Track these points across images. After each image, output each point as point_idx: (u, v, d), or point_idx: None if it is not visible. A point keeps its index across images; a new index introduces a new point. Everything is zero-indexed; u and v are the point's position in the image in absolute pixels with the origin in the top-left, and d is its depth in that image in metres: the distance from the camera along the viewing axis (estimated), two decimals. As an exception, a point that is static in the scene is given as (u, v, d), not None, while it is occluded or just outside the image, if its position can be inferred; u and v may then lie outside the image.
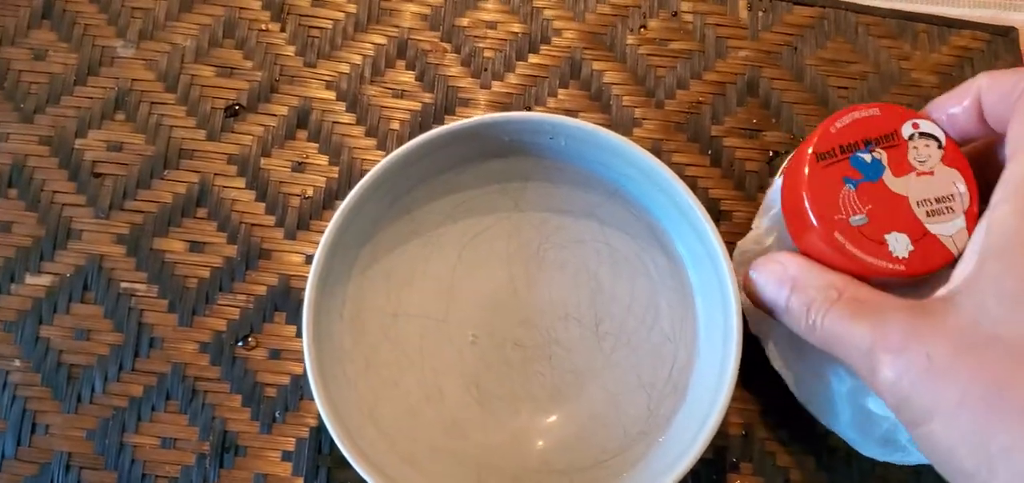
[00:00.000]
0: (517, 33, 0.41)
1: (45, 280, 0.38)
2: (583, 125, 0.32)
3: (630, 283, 0.36)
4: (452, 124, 0.32)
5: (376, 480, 0.30)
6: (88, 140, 0.39)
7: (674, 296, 0.35)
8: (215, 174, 0.39)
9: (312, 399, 0.36)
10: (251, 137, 0.40)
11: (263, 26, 0.41)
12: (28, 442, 0.36)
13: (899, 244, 0.29)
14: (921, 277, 0.30)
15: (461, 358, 0.35)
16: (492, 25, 0.41)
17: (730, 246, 0.33)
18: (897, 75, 0.41)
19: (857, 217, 0.29)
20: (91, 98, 0.40)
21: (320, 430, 0.36)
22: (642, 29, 0.41)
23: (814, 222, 0.29)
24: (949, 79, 0.41)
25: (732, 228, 0.38)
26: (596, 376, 0.35)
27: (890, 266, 0.28)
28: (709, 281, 0.33)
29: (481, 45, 0.41)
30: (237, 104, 0.40)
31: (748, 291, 0.31)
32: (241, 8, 0.41)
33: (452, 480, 0.33)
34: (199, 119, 0.40)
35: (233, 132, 0.40)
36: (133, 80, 0.40)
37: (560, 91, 0.40)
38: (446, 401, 0.35)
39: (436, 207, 0.36)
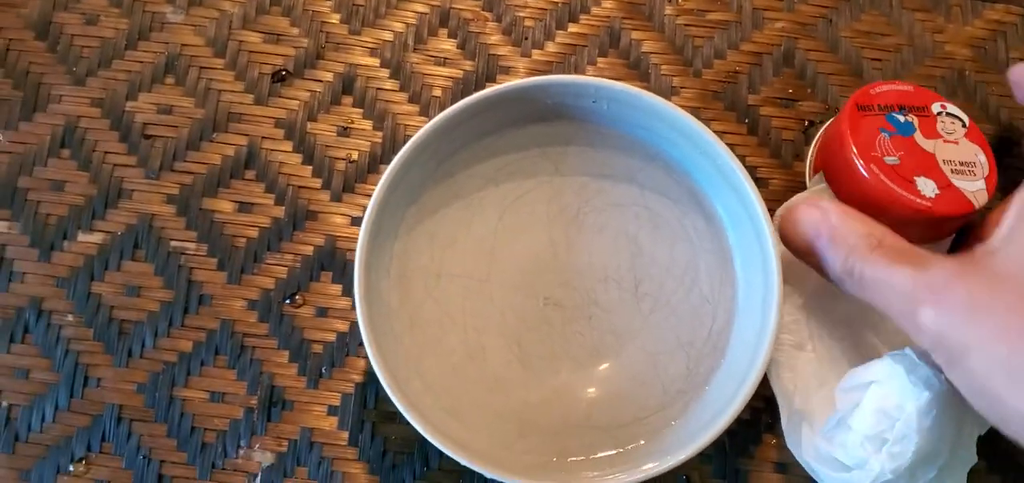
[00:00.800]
0: (557, 2, 0.42)
1: (97, 238, 0.39)
2: (627, 88, 0.33)
3: (669, 246, 0.36)
4: (496, 87, 0.33)
5: (423, 428, 0.31)
6: (139, 103, 0.41)
7: (713, 258, 0.36)
8: (263, 137, 0.40)
9: (357, 356, 0.38)
10: (298, 102, 0.41)
11: (310, -7, 0.42)
12: (81, 394, 0.38)
13: (927, 186, 0.33)
14: (942, 242, 0.35)
15: (502, 318, 0.36)
16: (533, -6, 0.42)
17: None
18: (931, 48, 0.41)
19: (891, 158, 0.34)
20: (141, 62, 0.41)
21: (365, 386, 0.37)
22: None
23: (854, 153, 0.34)
24: (982, 52, 0.41)
25: (768, 195, 0.39)
26: (635, 336, 0.36)
27: (919, 202, 0.33)
28: (749, 243, 0.33)
29: (521, 14, 0.42)
30: (284, 70, 0.41)
31: (784, 233, 0.32)
32: (288, -24, 0.42)
33: (494, 434, 0.34)
34: (247, 84, 0.41)
35: (280, 97, 0.41)
36: (182, 45, 0.41)
37: (599, 60, 0.41)
38: (488, 359, 0.36)
39: (479, 170, 0.37)
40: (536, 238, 0.37)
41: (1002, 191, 0.34)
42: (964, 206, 0.33)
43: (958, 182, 0.34)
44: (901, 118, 0.35)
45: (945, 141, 0.35)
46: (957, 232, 0.36)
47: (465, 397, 0.35)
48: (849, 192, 0.35)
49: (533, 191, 0.37)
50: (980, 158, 0.35)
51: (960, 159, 0.35)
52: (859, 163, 0.34)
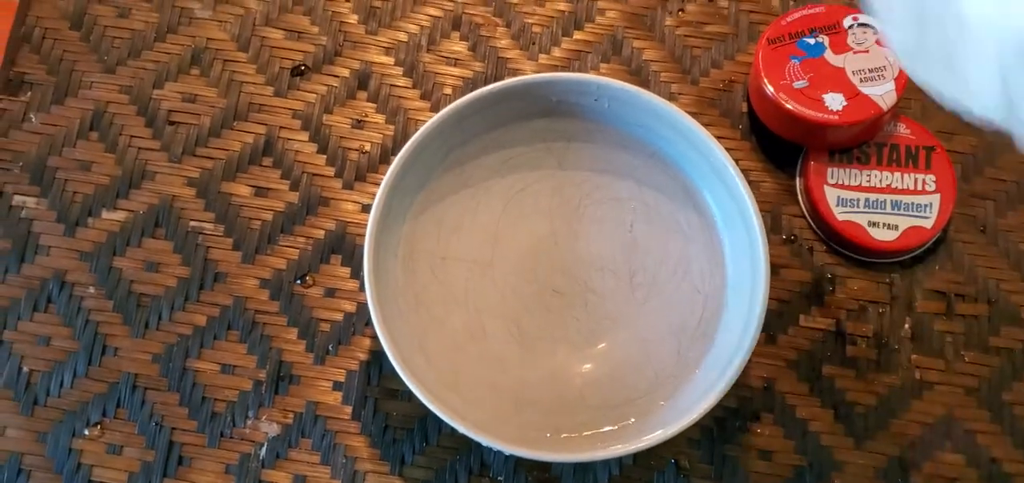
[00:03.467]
0: (563, 11, 0.44)
1: (120, 216, 0.41)
2: (627, 87, 0.35)
3: (664, 239, 0.38)
4: (506, 81, 0.35)
5: (424, 396, 0.32)
6: (165, 91, 0.43)
7: (704, 251, 0.37)
8: (281, 127, 0.42)
9: (363, 336, 0.39)
10: (315, 95, 0.43)
11: (330, -6, 0.44)
12: (98, 362, 0.39)
13: (835, 101, 0.38)
14: None
15: (503, 301, 0.38)
16: (540, 2, 0.44)
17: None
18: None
19: (799, 82, 0.38)
20: (169, 54, 0.43)
21: (369, 364, 0.39)
22: (681, 12, 0.44)
23: (765, 83, 0.39)
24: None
25: (760, 197, 0.41)
26: (629, 323, 0.38)
27: (826, 116, 0.38)
28: (739, 237, 0.35)
29: (530, 20, 0.44)
30: (303, 65, 0.43)
31: None
32: (311, -22, 0.45)
33: (493, 409, 0.35)
34: (268, 77, 0.43)
35: (298, 90, 0.43)
36: (208, 39, 0.44)
37: (602, 65, 0.43)
38: (489, 338, 0.37)
39: (486, 161, 0.39)
40: (538, 227, 0.39)
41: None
42: (872, 110, 0.38)
43: (866, 89, 0.38)
44: (811, 41, 0.39)
45: (855, 52, 0.39)
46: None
47: (465, 373, 0.36)
48: (770, 117, 0.40)
49: (537, 183, 0.39)
50: (889, 60, 0.38)
51: (870, 66, 0.38)
52: (769, 91, 0.38)
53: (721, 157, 0.34)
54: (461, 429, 0.32)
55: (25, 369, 0.39)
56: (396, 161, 0.35)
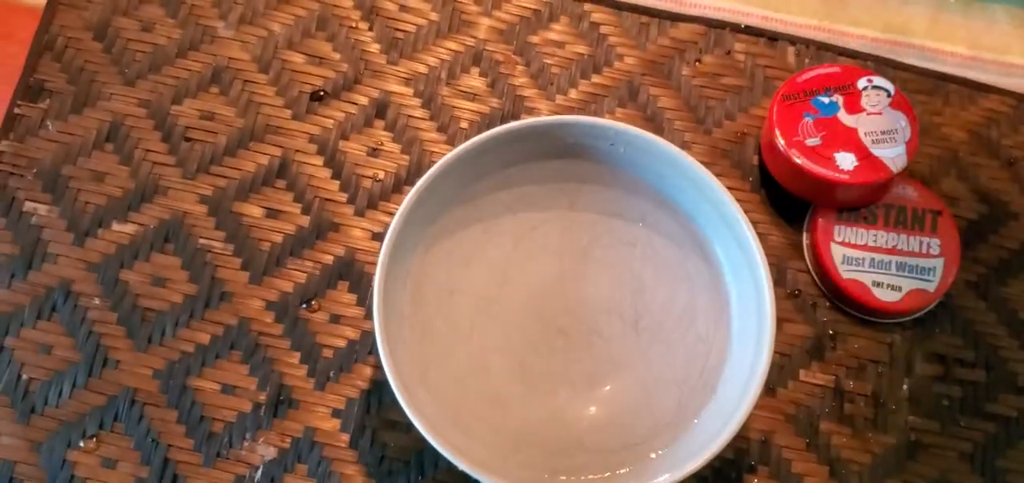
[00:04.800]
0: (582, 54, 0.45)
1: (130, 229, 0.41)
2: (644, 134, 0.36)
3: (671, 286, 0.38)
4: (526, 121, 0.36)
5: (425, 430, 0.32)
6: (183, 107, 0.43)
7: (711, 301, 0.38)
8: (296, 151, 0.43)
9: (365, 364, 0.39)
10: (332, 121, 0.43)
11: (353, 23, 0.45)
12: (98, 375, 0.39)
13: (846, 160, 0.39)
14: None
15: (508, 338, 0.38)
16: (560, 45, 0.45)
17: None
18: (928, 128, 0.44)
19: (812, 139, 0.39)
20: (190, 70, 0.44)
21: (369, 394, 0.39)
22: (697, 62, 0.45)
23: (778, 138, 0.39)
24: (977, 137, 0.44)
25: (768, 249, 0.41)
26: (632, 368, 0.38)
27: (837, 176, 0.38)
28: (746, 289, 0.36)
29: (549, 61, 0.45)
30: (322, 91, 0.44)
31: None
32: (334, 5, 0.45)
33: (492, 445, 0.35)
34: (286, 100, 0.43)
35: (316, 115, 0.43)
36: (230, 59, 0.44)
37: (618, 110, 0.44)
38: (492, 375, 0.37)
39: (499, 198, 0.39)
40: (547, 266, 0.39)
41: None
42: (882, 173, 0.38)
43: (877, 151, 0.39)
44: (826, 99, 0.40)
45: (868, 114, 0.40)
46: None
47: (467, 408, 0.36)
48: (781, 171, 0.40)
49: (548, 223, 0.39)
50: (901, 124, 0.39)
51: (881, 129, 0.39)
52: (781, 145, 0.39)
53: (733, 209, 0.34)
54: (461, 465, 0.32)
55: (24, 377, 0.39)
56: (412, 192, 0.35)
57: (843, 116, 0.40)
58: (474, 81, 0.44)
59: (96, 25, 0.44)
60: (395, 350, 0.34)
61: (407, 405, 0.33)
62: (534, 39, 0.45)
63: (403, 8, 0.45)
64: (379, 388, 0.39)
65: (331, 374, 0.39)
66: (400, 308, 0.36)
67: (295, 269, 0.41)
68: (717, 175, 0.43)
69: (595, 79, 0.44)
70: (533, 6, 0.46)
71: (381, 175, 0.42)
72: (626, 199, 0.39)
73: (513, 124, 0.36)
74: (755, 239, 0.34)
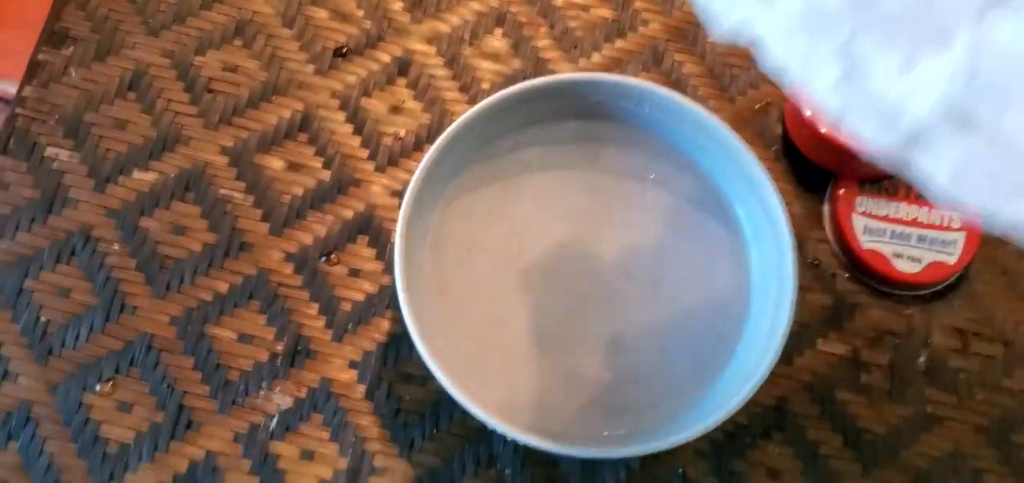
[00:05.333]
0: (607, 18, 0.45)
1: (151, 177, 0.41)
2: (670, 93, 0.35)
3: (690, 249, 0.38)
4: (549, 77, 0.36)
5: (444, 379, 0.32)
6: (206, 59, 0.43)
7: (731, 265, 0.37)
8: (319, 106, 0.43)
9: (382, 318, 0.39)
10: (355, 77, 0.43)
11: (378, -20, 0.45)
12: (116, 320, 0.39)
13: None
14: None
15: (526, 296, 0.38)
16: (585, 8, 0.45)
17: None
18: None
19: None
20: (214, 23, 0.44)
21: (386, 346, 0.39)
22: (721, 31, 0.45)
23: (805, 107, 0.38)
24: None
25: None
26: (649, 331, 0.38)
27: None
28: (768, 255, 0.36)
29: (573, 24, 0.44)
30: (346, 47, 0.44)
31: None
32: (359, -37, 0.45)
33: (507, 402, 0.35)
34: (310, 55, 0.43)
35: (339, 71, 0.43)
36: (254, 12, 0.44)
37: (641, 75, 0.44)
38: (509, 334, 0.37)
39: (520, 156, 0.39)
40: (566, 227, 0.39)
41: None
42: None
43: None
44: None
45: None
46: None
47: (483, 364, 0.36)
48: (804, 140, 0.40)
49: (568, 183, 0.39)
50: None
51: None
52: (807, 113, 0.39)
53: (758, 169, 0.34)
54: (479, 415, 0.32)
55: (43, 319, 0.39)
56: (433, 148, 0.35)
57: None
58: (497, 42, 0.44)
59: (121, -25, 0.44)
60: (414, 301, 0.34)
61: (426, 355, 0.33)
62: (558, 2, 0.45)
63: (428, -33, 0.45)
64: (396, 341, 0.39)
65: (349, 326, 0.39)
66: (420, 264, 0.36)
67: (315, 222, 0.41)
68: (739, 142, 0.43)
69: (619, 43, 0.44)
70: (558, -30, 0.46)
71: (402, 133, 0.42)
72: (648, 160, 0.39)
73: (536, 80, 0.36)
74: (780, 201, 0.34)
